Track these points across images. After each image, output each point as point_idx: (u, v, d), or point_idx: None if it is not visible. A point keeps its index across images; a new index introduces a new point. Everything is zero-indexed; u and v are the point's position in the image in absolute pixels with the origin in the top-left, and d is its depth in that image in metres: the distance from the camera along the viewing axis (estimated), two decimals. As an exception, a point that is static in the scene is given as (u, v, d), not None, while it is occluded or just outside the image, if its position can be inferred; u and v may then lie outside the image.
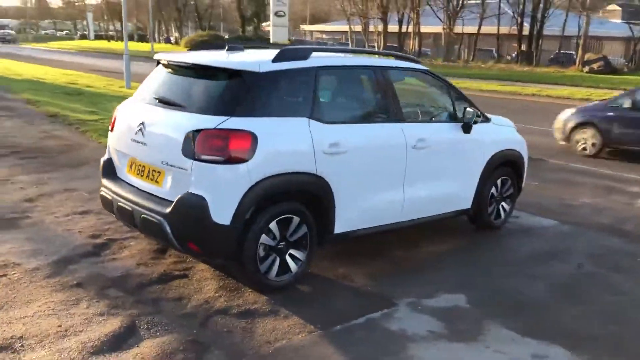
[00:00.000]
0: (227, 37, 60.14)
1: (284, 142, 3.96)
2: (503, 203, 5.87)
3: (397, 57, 5.11)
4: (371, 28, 52.12)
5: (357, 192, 4.41)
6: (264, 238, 3.96)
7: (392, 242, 5.25)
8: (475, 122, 5.12)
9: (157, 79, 4.45)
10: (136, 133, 4.15)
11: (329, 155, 4.14)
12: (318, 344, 3.47)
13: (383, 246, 5.16)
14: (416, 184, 4.83)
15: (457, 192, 5.30)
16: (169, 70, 4.40)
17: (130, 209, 4.09)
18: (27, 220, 5.42)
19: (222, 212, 3.73)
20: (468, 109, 5.10)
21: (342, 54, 4.91)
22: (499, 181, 5.71)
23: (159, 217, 3.84)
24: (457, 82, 26.52)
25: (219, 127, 3.73)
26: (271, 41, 49.92)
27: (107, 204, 4.44)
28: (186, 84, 4.23)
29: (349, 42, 54.91)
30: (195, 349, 3.33)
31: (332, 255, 4.86)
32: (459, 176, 5.28)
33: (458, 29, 46.09)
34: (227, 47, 4.53)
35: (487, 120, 5.55)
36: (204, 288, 4.13)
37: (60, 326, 3.50)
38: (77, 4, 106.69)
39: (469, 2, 46.69)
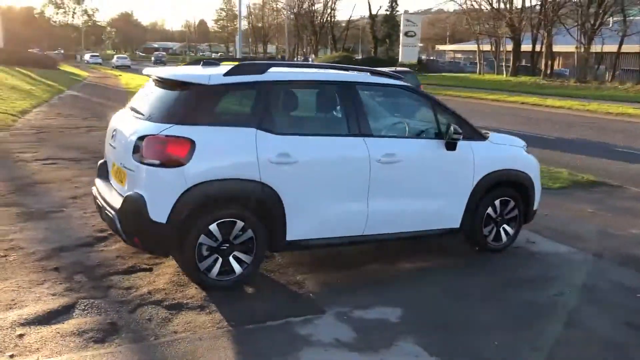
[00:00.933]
0: (358, 57, 61.48)
1: (224, 150, 4.24)
2: (505, 226, 5.61)
3: (374, 73, 5.16)
4: (501, 47, 50.41)
5: (310, 201, 4.54)
6: (203, 238, 4.25)
7: (372, 256, 5.29)
8: (456, 140, 5.00)
9: (141, 91, 4.97)
10: (111, 138, 4.69)
11: (276, 165, 4.34)
12: (218, 338, 3.68)
13: (359, 259, 5.22)
14: (384, 198, 4.84)
15: (440, 210, 5.19)
16: (151, 83, 4.89)
17: (100, 205, 4.62)
18: (59, 214, 6.21)
19: (159, 211, 4.09)
20: (452, 126, 5.00)
21: (306, 69, 5.07)
22: (497, 202, 5.49)
23: (113, 213, 4.31)
24: (580, 105, 24.92)
25: (161, 133, 4.12)
26: (399, 61, 50.23)
27: (94, 201, 5.01)
28: (152, 95, 4.67)
29: (478, 61, 53.54)
30: (106, 330, 3.70)
31: (299, 263, 5.03)
32: (441, 193, 5.17)
33: (597, 47, 42.94)
34: (202, 63, 4.93)
35: (481, 138, 5.39)
36: (157, 281, 4.52)
37: (12, 300, 4.06)
38: (229, 28, 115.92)
39: (610, 19, 43.40)
